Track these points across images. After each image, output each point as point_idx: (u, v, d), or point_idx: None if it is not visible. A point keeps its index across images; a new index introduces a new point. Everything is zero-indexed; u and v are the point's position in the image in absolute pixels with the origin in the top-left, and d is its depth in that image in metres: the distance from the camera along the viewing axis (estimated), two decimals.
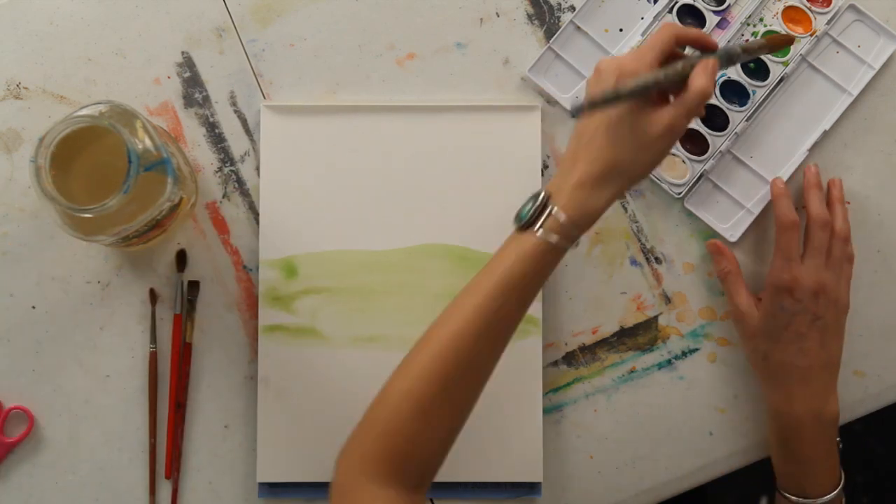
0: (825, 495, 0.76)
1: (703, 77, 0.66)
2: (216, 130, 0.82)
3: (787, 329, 0.75)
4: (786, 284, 0.75)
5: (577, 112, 0.63)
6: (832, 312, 0.76)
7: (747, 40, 0.79)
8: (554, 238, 0.66)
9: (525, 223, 0.67)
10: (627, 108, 0.66)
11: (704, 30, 0.82)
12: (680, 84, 0.67)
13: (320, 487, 0.80)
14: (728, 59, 0.70)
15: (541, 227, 0.66)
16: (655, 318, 0.82)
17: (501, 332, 0.67)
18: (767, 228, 0.82)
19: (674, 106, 0.66)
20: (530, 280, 0.66)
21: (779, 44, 0.74)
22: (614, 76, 0.66)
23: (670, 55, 0.68)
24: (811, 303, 0.75)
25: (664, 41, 0.67)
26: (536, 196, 0.67)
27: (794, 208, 0.78)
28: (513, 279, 0.66)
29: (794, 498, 0.77)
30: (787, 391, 0.76)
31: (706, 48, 0.70)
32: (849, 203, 0.82)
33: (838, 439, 0.77)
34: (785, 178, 0.81)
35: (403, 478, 0.66)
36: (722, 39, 0.82)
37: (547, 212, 0.66)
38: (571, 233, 0.67)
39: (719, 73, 0.81)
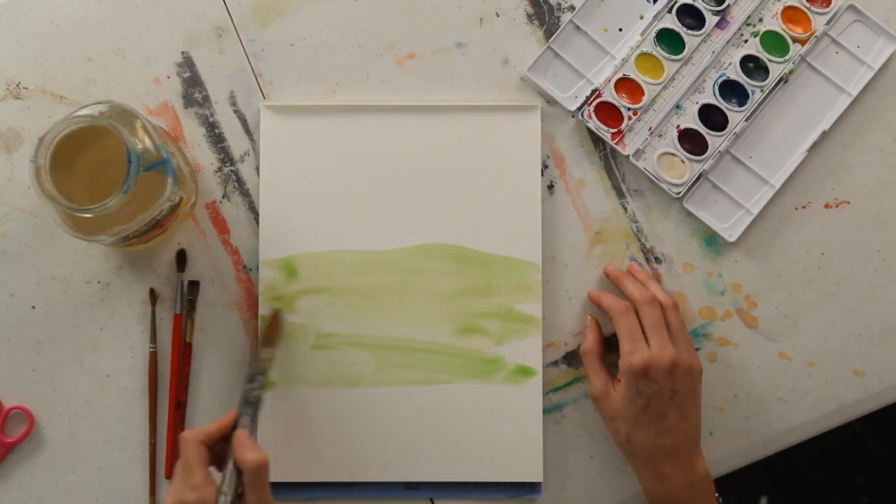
0: None
1: (245, 451, 0.68)
2: (216, 130, 0.82)
3: (646, 411, 0.75)
4: (639, 368, 0.74)
5: None
6: (688, 383, 0.75)
7: None
8: None
9: None
10: None
11: (704, 30, 0.82)
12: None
13: (320, 487, 0.80)
14: (250, 403, 0.72)
15: None
16: None
17: None
18: (766, 229, 0.82)
19: None
20: None
21: (270, 333, 0.77)
22: None
23: (214, 454, 0.70)
24: (667, 381, 0.74)
25: (197, 454, 0.68)
26: None
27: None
28: None
29: None
30: (656, 470, 0.75)
31: (225, 428, 0.71)
32: (848, 203, 0.83)
33: (717, 494, 0.76)
34: (784, 180, 0.82)
35: None
36: (721, 40, 0.82)
37: None
38: None
39: (716, 77, 0.82)
